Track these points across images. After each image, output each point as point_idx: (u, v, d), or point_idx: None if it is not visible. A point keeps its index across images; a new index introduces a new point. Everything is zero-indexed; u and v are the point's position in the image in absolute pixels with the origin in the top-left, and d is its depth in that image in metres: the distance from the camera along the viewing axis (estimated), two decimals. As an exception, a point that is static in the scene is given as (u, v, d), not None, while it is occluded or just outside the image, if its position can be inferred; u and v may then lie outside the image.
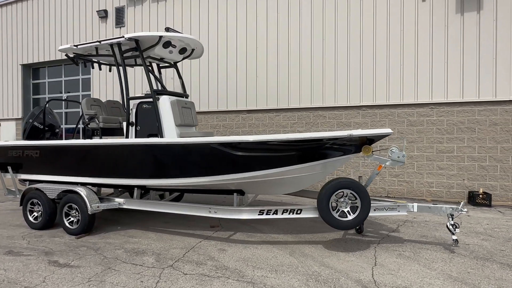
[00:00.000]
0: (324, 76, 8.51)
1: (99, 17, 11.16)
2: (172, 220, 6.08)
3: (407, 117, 7.90)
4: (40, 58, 12.40)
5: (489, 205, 7.03)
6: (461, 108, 7.51)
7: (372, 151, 4.52)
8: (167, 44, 5.69)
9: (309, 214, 4.57)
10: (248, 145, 4.47)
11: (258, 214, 4.59)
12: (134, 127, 5.58)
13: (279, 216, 4.58)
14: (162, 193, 6.89)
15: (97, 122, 6.07)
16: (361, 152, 4.59)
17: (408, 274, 3.78)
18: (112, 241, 4.92)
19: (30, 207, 5.66)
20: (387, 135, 4.37)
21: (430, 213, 4.91)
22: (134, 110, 5.57)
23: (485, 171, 7.39)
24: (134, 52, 5.86)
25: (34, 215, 5.64)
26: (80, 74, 12.04)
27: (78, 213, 5.23)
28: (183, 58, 6.49)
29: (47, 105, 6.60)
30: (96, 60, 6.77)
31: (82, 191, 5.22)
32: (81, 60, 6.47)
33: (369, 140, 4.55)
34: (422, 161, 7.80)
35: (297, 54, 8.75)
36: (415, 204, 4.65)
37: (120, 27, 10.93)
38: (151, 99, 5.43)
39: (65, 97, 6.79)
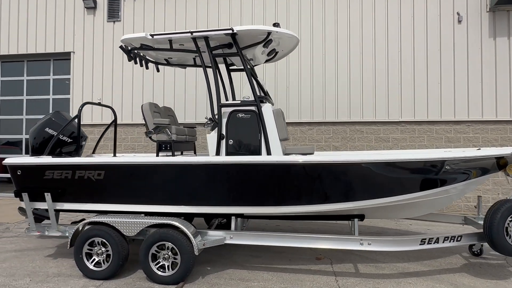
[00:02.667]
0: (362, 91, 8.29)
1: (86, 7, 9.34)
2: (258, 252, 5.08)
3: (445, 133, 8.07)
4: (-7, 51, 9.90)
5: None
6: (494, 126, 7.93)
7: None
8: (268, 43, 4.80)
9: (470, 240, 4.15)
10: (418, 165, 3.90)
11: (420, 244, 4.01)
12: (224, 140, 4.54)
13: (439, 245, 4.05)
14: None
15: (169, 133, 4.82)
16: (503, 171, 4.37)
17: None
18: (234, 289, 3.82)
19: (88, 249, 4.15)
20: None
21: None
22: (225, 120, 4.54)
23: (516, 186, 7.88)
24: (227, 49, 4.84)
25: (94, 259, 4.14)
26: (52, 73, 9.90)
27: (175, 254, 3.97)
28: (265, 62, 5.61)
29: (80, 110, 5.04)
30: (152, 59, 5.48)
31: (181, 224, 3.98)
32: (137, 55, 5.16)
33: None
34: (460, 177, 8.01)
35: (333, 68, 8.39)
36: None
37: (114, 22, 9.30)
38: (249, 107, 4.48)
39: (99, 100, 5.31)
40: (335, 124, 8.40)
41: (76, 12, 9.48)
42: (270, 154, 4.37)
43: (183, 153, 5.91)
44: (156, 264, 4.00)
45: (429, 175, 4.01)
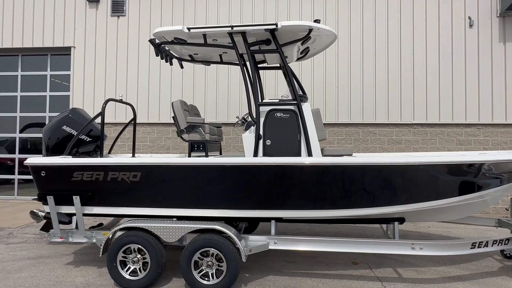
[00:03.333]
0: (375, 93, 8.26)
1: (88, 1, 8.91)
2: (290, 257, 4.89)
3: (456, 136, 8.14)
4: (-16, 44, 9.29)
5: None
6: (504, 129, 8.06)
7: None
8: (307, 41, 4.64)
9: (519, 242, 4.12)
10: (477, 167, 3.84)
11: (471, 248, 3.93)
12: (262, 141, 4.34)
13: (488, 248, 3.99)
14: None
15: (203, 133, 4.58)
16: None
17: None
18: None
19: (123, 257, 3.85)
20: None
21: None
22: (262, 120, 4.34)
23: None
24: (264, 45, 4.65)
25: (130, 268, 3.85)
26: (49, 69, 9.39)
27: (219, 261, 3.73)
28: (296, 60, 5.44)
29: (104, 107, 4.73)
30: (175, 55, 5.21)
31: (227, 229, 3.75)
32: (163, 51, 4.88)
33: None
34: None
35: (346, 69, 8.32)
36: None
37: (118, 16, 8.91)
38: (288, 106, 4.30)
39: (120, 97, 4.98)
40: (348, 125, 8.33)
41: (77, 5, 9.03)
42: (311, 155, 4.21)
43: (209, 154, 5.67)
44: (199, 272, 3.75)
45: (482, 177, 3.95)
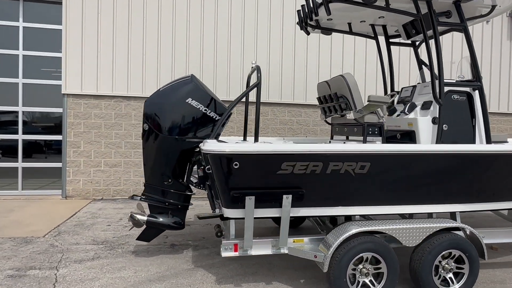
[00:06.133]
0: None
1: None
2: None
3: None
4: None
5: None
6: (507, 118, 9.14)
7: None
8: (481, 17, 4.31)
9: None
10: None
11: None
12: (437, 126, 3.96)
13: None
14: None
15: (381, 114, 3.91)
16: None
17: None
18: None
19: (352, 270, 3.05)
20: None
21: None
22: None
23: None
24: (444, 18, 4.16)
25: (359, 282, 3.08)
26: (21, 19, 6.95)
27: (458, 263, 3.26)
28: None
29: (260, 77, 3.60)
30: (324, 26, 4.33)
31: (467, 227, 3.28)
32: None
33: None
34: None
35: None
36: None
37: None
38: (464, 88, 4.00)
39: (253, 64, 3.86)
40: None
41: None
42: (490, 143, 3.99)
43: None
44: (439, 279, 3.22)
45: None
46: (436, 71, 3.89)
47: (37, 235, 4.76)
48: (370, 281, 3.11)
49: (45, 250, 4.21)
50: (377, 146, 3.25)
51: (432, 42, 4.38)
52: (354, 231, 3.03)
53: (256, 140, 3.37)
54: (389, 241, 3.21)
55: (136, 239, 4.01)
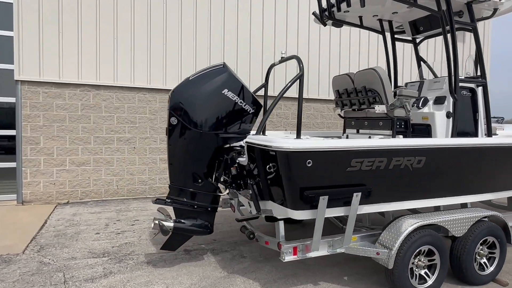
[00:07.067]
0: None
1: None
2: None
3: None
4: None
5: None
6: None
7: None
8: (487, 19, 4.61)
9: None
10: None
11: None
12: (451, 120, 4.23)
13: None
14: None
15: (408, 108, 3.98)
16: None
17: None
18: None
19: (412, 263, 3.06)
20: None
21: None
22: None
23: None
24: (457, 17, 4.36)
25: (416, 275, 3.11)
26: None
27: (491, 248, 3.50)
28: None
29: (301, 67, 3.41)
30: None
31: (500, 215, 3.53)
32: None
33: None
34: None
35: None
36: None
37: None
38: (470, 84, 4.33)
39: (283, 54, 3.57)
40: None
41: None
42: (491, 136, 4.37)
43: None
44: (477, 265, 3.41)
45: None
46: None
47: (14, 251, 3.93)
48: (425, 273, 3.17)
49: (37, 270, 3.49)
50: (436, 140, 3.36)
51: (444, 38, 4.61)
52: (415, 225, 3.04)
53: (298, 136, 3.16)
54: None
55: (161, 248, 3.54)
